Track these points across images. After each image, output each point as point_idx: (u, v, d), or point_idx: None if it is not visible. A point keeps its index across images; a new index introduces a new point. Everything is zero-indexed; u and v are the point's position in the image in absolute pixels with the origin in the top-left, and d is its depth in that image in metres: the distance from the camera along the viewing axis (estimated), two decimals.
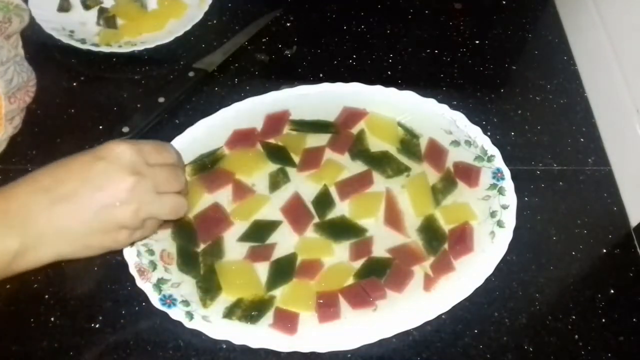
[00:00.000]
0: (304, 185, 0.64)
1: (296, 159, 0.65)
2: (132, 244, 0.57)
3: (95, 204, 0.47)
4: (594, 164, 0.68)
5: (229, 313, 0.56)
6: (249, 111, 0.67)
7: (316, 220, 0.62)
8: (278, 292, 0.58)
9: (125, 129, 0.66)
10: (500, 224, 0.60)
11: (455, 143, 0.66)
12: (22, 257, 0.46)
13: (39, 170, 0.48)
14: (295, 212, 0.62)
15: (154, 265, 0.58)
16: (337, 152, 0.66)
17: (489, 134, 0.66)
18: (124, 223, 0.48)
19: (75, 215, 0.47)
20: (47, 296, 0.57)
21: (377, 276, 0.58)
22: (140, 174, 0.48)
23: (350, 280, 0.58)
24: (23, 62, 0.67)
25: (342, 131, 0.67)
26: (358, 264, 0.59)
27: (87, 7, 0.78)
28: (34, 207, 0.46)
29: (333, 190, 0.64)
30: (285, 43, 0.77)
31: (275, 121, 0.67)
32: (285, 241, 0.61)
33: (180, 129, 0.65)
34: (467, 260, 0.59)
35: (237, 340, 0.54)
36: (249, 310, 0.56)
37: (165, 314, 0.55)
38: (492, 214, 0.61)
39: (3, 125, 0.64)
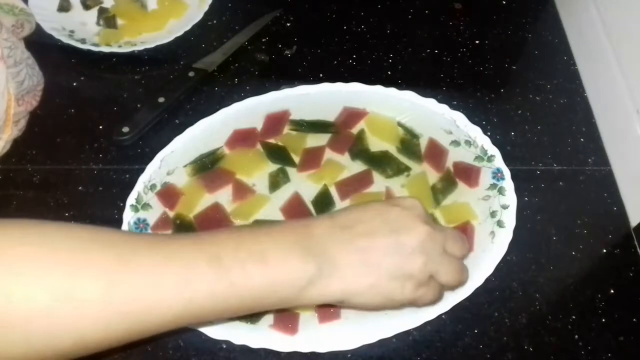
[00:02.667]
0: (304, 185, 0.64)
1: (296, 159, 0.65)
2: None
3: (391, 245, 0.46)
4: (594, 164, 0.68)
5: None
6: (249, 111, 0.67)
7: None
8: None
9: (125, 129, 0.66)
10: (500, 224, 0.60)
11: (455, 143, 0.66)
12: (313, 286, 0.44)
13: (333, 212, 0.52)
14: (295, 212, 0.62)
15: None
16: (337, 152, 0.66)
17: (489, 134, 0.66)
18: (412, 272, 0.47)
19: (371, 252, 0.46)
20: None
21: None
22: (431, 225, 0.48)
23: None
24: (35, 65, 0.67)
25: (342, 131, 0.67)
26: None
27: (87, 7, 0.78)
28: (334, 239, 0.46)
29: (333, 190, 0.63)
30: (285, 43, 0.77)
31: (275, 121, 0.67)
32: None
33: (180, 129, 0.65)
34: (467, 260, 0.59)
35: (237, 340, 0.54)
36: None
37: None
38: (492, 214, 0.61)
39: (10, 127, 0.64)
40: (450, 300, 0.57)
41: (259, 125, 0.67)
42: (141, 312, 0.40)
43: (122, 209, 0.60)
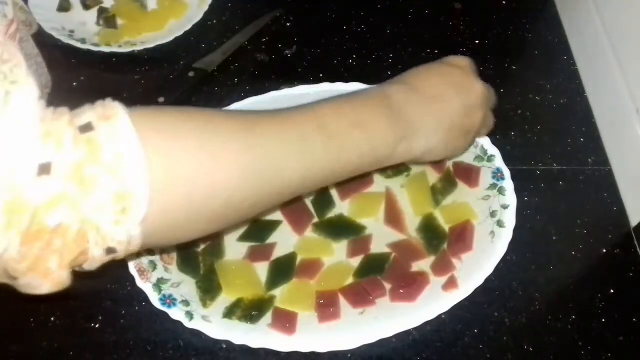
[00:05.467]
0: None
1: None
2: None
3: (459, 107, 0.54)
4: (594, 164, 0.68)
5: (229, 313, 0.56)
6: None
7: (316, 220, 0.62)
8: (278, 292, 0.58)
9: None
10: (500, 223, 0.60)
11: None
12: (401, 145, 0.51)
13: (402, 76, 0.55)
14: (295, 212, 0.62)
15: (154, 265, 0.58)
16: None
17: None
18: (474, 126, 0.55)
19: (444, 111, 0.53)
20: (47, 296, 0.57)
21: (376, 273, 0.58)
22: (482, 82, 0.56)
23: (350, 280, 0.58)
24: (44, 65, 0.66)
25: None
26: (356, 261, 0.59)
27: (87, 7, 0.78)
28: (410, 103, 0.52)
29: (333, 190, 0.63)
30: (285, 43, 0.77)
31: None
32: (285, 241, 0.61)
33: None
34: (467, 260, 0.59)
35: (237, 340, 0.54)
36: (249, 310, 0.56)
37: (165, 314, 0.55)
38: (492, 214, 0.61)
39: None
40: (450, 300, 0.57)
41: None
42: (272, 169, 0.44)
43: None
